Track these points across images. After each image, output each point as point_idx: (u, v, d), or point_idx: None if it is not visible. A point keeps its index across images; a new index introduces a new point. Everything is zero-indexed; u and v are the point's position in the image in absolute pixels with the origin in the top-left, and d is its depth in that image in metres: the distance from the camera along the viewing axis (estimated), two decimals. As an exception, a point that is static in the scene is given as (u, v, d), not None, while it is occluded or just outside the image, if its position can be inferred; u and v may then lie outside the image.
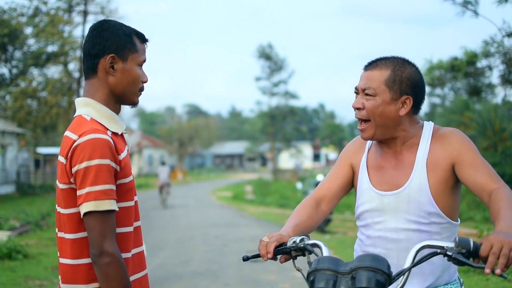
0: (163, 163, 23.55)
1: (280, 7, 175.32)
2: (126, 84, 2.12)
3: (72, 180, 2.00)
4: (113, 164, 1.99)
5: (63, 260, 2.06)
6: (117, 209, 1.99)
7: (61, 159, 2.04)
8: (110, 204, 1.96)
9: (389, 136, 2.25)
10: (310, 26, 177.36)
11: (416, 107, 2.24)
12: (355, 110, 2.25)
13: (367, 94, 2.21)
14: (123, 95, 2.14)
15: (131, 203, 2.11)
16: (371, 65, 2.26)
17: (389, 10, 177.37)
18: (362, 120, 2.24)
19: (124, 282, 1.95)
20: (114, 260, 1.93)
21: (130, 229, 2.11)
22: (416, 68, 2.25)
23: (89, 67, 2.12)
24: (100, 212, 1.94)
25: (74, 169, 1.97)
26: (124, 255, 2.07)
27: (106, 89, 2.11)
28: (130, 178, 2.10)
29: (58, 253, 2.09)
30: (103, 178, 1.95)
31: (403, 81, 2.19)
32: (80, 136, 1.99)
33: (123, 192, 2.07)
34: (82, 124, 2.04)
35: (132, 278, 2.10)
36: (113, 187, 1.99)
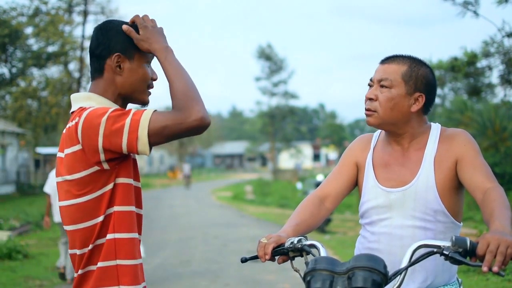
0: (186, 162, 40.51)
1: (281, 7, 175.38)
2: (134, 83, 2.07)
3: (105, 156, 1.90)
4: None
5: (71, 251, 2.04)
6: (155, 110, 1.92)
7: (72, 149, 1.95)
8: (147, 112, 1.89)
9: (396, 129, 2.27)
10: (310, 26, 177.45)
11: (427, 106, 2.28)
12: (366, 101, 2.28)
13: (382, 86, 2.24)
14: (131, 94, 2.09)
15: (130, 181, 2.02)
16: (389, 59, 2.31)
17: (389, 10, 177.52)
18: (371, 110, 2.27)
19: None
20: (202, 114, 1.91)
21: (132, 208, 2.02)
22: (431, 70, 2.31)
23: (96, 68, 2.07)
24: (150, 120, 1.88)
25: (100, 138, 1.89)
26: (132, 235, 1.99)
27: (114, 89, 2.06)
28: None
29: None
30: (124, 114, 1.90)
31: (418, 78, 2.24)
32: (80, 117, 1.95)
33: (124, 167, 2.00)
34: (81, 111, 1.98)
35: (138, 261, 2.04)
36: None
